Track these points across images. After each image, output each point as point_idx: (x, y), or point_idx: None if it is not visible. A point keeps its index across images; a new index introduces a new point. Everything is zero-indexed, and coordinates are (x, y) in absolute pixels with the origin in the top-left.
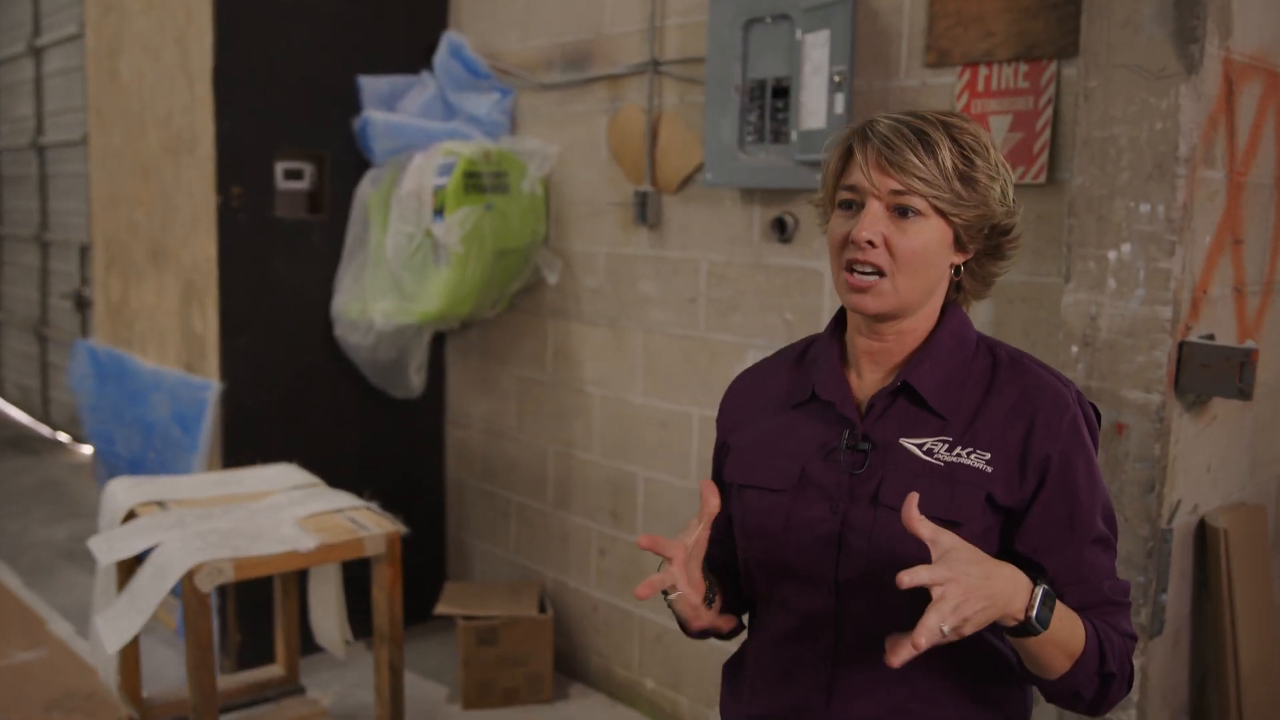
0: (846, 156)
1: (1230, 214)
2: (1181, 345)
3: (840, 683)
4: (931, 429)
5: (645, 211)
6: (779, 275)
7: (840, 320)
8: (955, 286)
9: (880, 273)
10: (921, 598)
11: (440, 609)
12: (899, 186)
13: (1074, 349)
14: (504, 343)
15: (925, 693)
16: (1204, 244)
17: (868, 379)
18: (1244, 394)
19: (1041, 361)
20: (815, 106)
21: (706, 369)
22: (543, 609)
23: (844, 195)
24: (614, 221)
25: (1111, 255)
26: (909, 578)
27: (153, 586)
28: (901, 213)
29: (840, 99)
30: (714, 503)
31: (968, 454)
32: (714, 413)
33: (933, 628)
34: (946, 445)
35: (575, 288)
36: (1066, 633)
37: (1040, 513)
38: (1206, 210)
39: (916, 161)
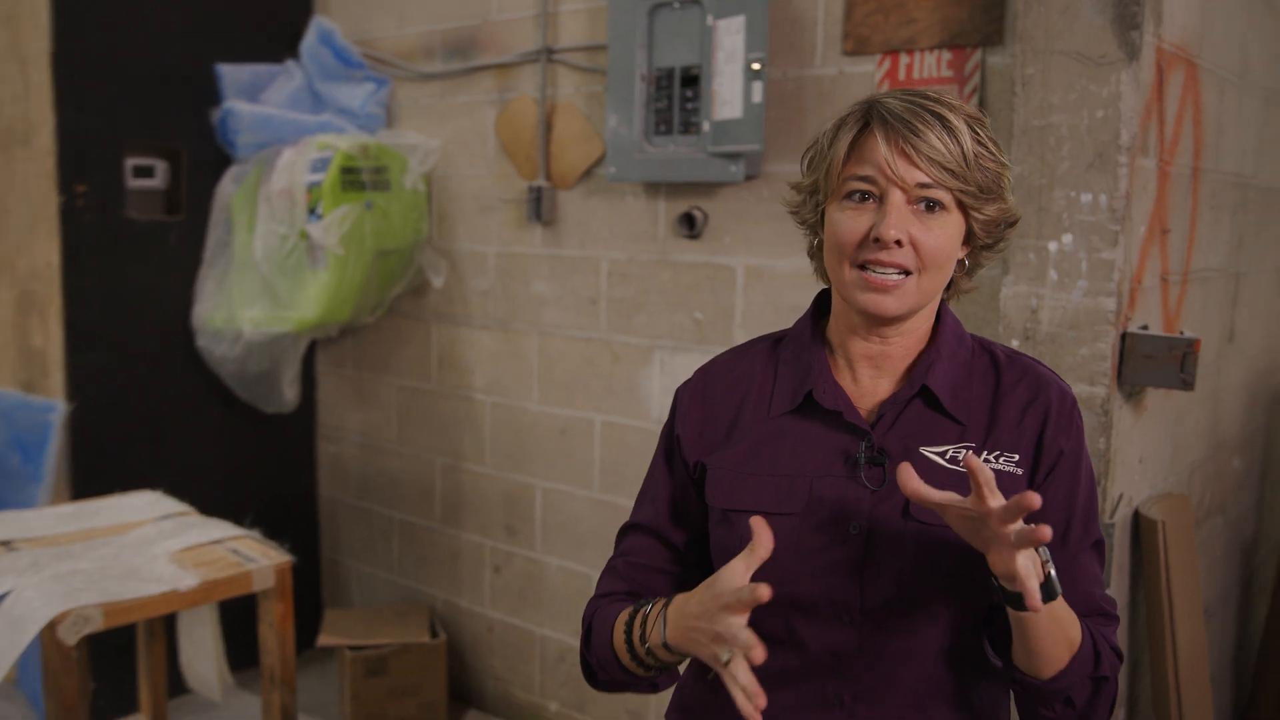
0: (854, 141)
1: (1160, 203)
2: (1124, 336)
3: (859, 718)
4: (951, 435)
5: (539, 208)
6: (687, 273)
7: (817, 316)
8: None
9: (906, 272)
10: (950, 619)
11: (324, 640)
12: (926, 179)
13: (1015, 342)
14: (382, 350)
15: None
16: (1139, 234)
17: (866, 384)
18: (1187, 385)
19: (1035, 358)
20: (730, 96)
21: (609, 372)
22: (434, 633)
23: (856, 185)
24: (505, 219)
25: (1052, 246)
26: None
27: (7, 641)
28: (929, 207)
29: (758, 87)
30: (768, 540)
31: (996, 458)
32: (619, 418)
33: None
34: (970, 451)
35: (463, 290)
36: (1069, 615)
37: (1044, 507)
38: (1141, 200)
39: (943, 150)
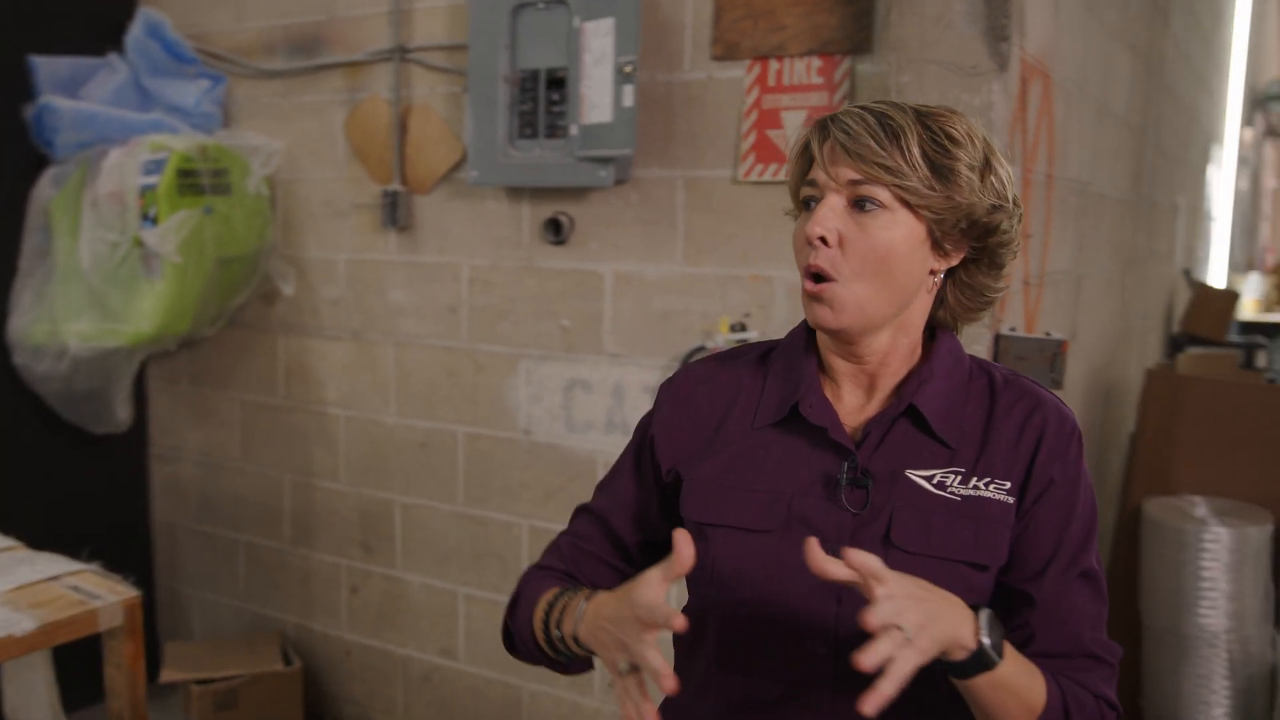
0: (807, 153)
1: (1025, 211)
2: (997, 339)
3: None
4: (939, 460)
5: (395, 213)
6: (553, 279)
7: (811, 330)
8: (938, 303)
9: (826, 277)
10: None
11: (167, 675)
12: (856, 175)
13: None
14: (223, 364)
15: None
16: None
17: (854, 402)
18: (1056, 384)
19: (1035, 380)
20: (599, 99)
21: (471, 383)
22: (287, 660)
23: (806, 193)
24: (357, 225)
25: None
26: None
27: None
28: (860, 205)
29: (629, 91)
30: (688, 555)
31: (985, 484)
32: (484, 429)
33: (878, 631)
34: (959, 477)
35: (312, 299)
36: (1025, 679)
37: (1028, 536)
38: None
39: (875, 147)
